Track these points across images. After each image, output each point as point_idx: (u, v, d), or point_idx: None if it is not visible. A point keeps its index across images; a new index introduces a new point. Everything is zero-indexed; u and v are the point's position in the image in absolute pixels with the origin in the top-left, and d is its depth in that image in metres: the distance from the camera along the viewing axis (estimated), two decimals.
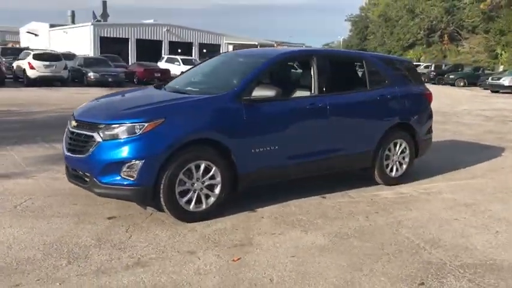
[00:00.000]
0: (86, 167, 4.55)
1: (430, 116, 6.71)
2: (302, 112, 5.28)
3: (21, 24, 58.62)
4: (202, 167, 4.61)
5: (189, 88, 5.43)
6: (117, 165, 4.35)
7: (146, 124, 4.37)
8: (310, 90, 5.54)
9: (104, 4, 55.50)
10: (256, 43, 43.94)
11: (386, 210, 5.29)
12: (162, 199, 4.47)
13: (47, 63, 22.19)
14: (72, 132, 4.79)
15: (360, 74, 6.36)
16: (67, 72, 22.96)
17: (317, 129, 5.42)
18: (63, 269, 3.59)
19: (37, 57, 22.26)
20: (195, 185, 4.62)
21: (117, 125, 4.41)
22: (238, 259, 3.87)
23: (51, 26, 50.53)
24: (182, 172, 4.51)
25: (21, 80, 22.98)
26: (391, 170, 6.24)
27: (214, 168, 4.68)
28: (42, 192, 5.45)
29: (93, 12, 52.25)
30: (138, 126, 4.37)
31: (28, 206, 4.97)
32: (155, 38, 45.24)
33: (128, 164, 4.33)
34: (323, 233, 4.53)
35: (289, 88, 5.66)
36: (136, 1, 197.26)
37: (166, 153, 4.37)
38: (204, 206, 4.70)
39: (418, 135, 6.40)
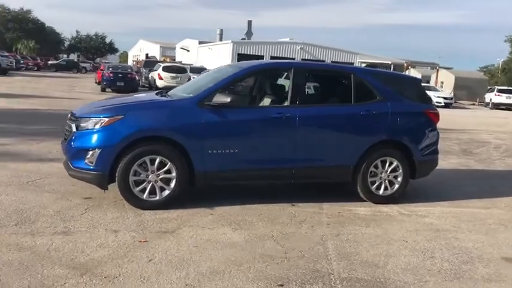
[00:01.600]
0: (66, 153, 5.47)
1: (434, 136, 6.35)
2: (266, 121, 5.56)
3: (178, 41, 65.34)
4: (157, 161, 5.20)
5: (176, 93, 6.06)
6: (83, 152, 5.17)
7: (106, 119, 5.13)
8: (283, 101, 5.79)
9: (249, 23, 59.34)
10: (390, 62, 42.86)
11: (342, 223, 5.27)
12: (117, 185, 5.16)
13: (174, 74, 24.81)
14: (67, 124, 5.77)
15: (345, 88, 6.34)
16: None
17: (283, 138, 5.63)
18: (7, 227, 4.47)
19: (166, 69, 25.04)
20: (150, 177, 5.23)
21: (87, 119, 5.24)
22: (145, 241, 4.37)
23: (200, 42, 55.56)
24: (137, 164, 5.15)
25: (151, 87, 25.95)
26: (379, 188, 6.08)
27: (169, 163, 5.23)
28: (60, 174, 6.53)
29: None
30: (100, 121, 5.15)
31: (37, 183, 6.06)
32: (289, 56, 46.90)
33: (91, 151, 5.12)
34: (248, 233, 4.78)
35: (260, 97, 5.96)
36: (285, 21, 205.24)
37: (120, 145, 5.06)
38: (157, 197, 5.28)
39: (415, 155, 6.13)
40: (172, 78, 24.82)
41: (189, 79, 25.22)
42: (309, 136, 5.72)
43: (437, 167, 6.70)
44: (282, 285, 3.66)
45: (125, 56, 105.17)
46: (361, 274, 3.96)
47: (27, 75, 38.64)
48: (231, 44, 46.42)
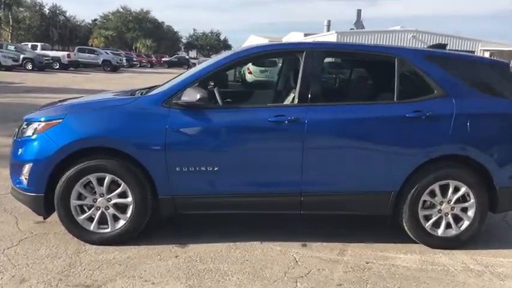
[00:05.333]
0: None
1: None
2: (261, 126, 3.91)
3: (284, 35, 64.36)
4: (106, 181, 3.86)
5: (146, 90, 4.60)
6: (18, 166, 3.99)
7: (43, 124, 3.90)
8: (287, 98, 4.08)
9: (359, 13, 56.11)
10: None
11: (364, 283, 3.47)
12: (57, 211, 3.91)
13: (263, 68, 23.49)
14: None
15: (383, 78, 4.40)
16: None
17: (285, 151, 3.94)
18: None
19: (256, 63, 23.79)
20: (99, 201, 3.90)
21: (29, 123, 4.05)
22: None
23: (305, 35, 53.85)
24: (81, 184, 3.86)
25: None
26: (437, 226, 4.12)
27: (123, 184, 3.87)
28: None
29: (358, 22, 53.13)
30: (36, 126, 3.93)
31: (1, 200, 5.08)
32: (398, 45, 43.17)
33: (25, 166, 3.92)
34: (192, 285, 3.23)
35: (253, 93, 4.29)
36: (398, 10, 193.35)
37: (55, 158, 3.79)
38: (109, 229, 3.94)
39: (496, 179, 4.04)
40: (262, 72, 23.47)
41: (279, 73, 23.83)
42: (325, 148, 3.96)
43: None
44: None
45: None
46: None
47: (137, 71, 40.31)
48: (335, 34, 43.96)
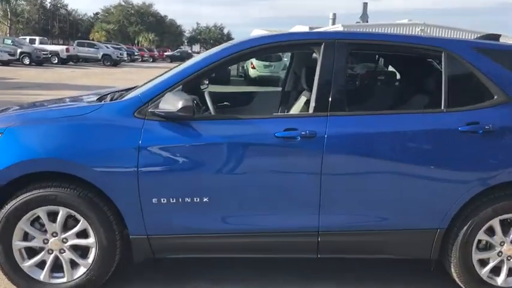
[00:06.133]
0: None
1: None
2: (264, 144, 2.93)
3: (289, 29, 63.22)
4: (61, 215, 2.91)
5: (120, 94, 3.60)
6: None
7: None
8: (299, 106, 3.11)
9: (365, 6, 54.81)
10: None
11: None
12: None
13: (267, 63, 22.50)
14: None
15: (428, 80, 3.41)
16: (284, 73, 22.75)
17: (298, 176, 2.97)
18: None
19: (259, 57, 22.75)
20: (51, 242, 2.95)
21: None
22: None
23: (310, 28, 52.67)
24: (26, 220, 2.90)
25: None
26: (496, 273, 3.15)
27: (82, 220, 2.91)
28: None
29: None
30: None
31: None
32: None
33: None
34: None
35: (255, 100, 3.31)
36: (404, 3, 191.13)
37: None
38: (65, 278, 2.99)
39: None
40: (266, 67, 22.53)
41: (284, 68, 22.85)
42: (350, 174, 2.98)
43: None
44: None
45: None
46: None
47: (137, 66, 39.34)
48: (341, 27, 42.83)
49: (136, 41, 74.71)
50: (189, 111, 2.76)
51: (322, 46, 3.05)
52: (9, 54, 27.98)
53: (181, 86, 2.99)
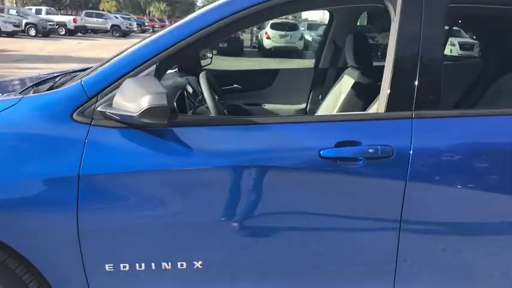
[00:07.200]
0: None
1: None
2: (300, 170, 1.66)
3: None
4: None
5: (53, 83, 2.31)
6: None
7: None
8: (355, 93, 1.85)
9: None
10: None
11: None
12: None
13: (283, 33, 20.96)
14: None
15: None
16: (302, 44, 21.28)
17: (359, 225, 1.73)
18: None
19: (274, 26, 21.23)
20: None
21: None
22: None
23: None
24: None
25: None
26: None
27: None
28: None
29: None
30: None
31: None
32: None
33: None
34: None
35: (277, 78, 2.05)
36: None
37: None
38: None
39: None
40: (281, 37, 20.97)
41: (301, 38, 21.30)
42: (455, 224, 1.70)
43: None
44: None
45: None
46: None
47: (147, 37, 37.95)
48: None
49: (147, 11, 73.00)
50: (159, 116, 1.49)
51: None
52: (14, 25, 26.76)
53: (154, 66, 1.71)
